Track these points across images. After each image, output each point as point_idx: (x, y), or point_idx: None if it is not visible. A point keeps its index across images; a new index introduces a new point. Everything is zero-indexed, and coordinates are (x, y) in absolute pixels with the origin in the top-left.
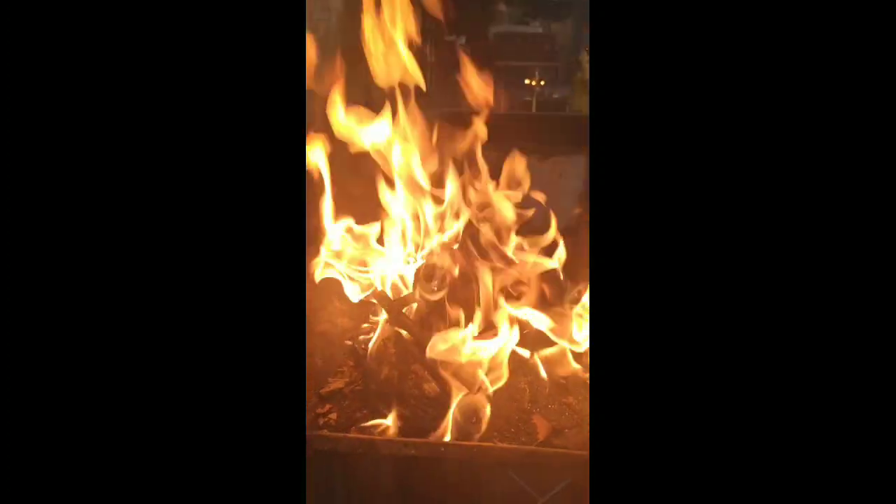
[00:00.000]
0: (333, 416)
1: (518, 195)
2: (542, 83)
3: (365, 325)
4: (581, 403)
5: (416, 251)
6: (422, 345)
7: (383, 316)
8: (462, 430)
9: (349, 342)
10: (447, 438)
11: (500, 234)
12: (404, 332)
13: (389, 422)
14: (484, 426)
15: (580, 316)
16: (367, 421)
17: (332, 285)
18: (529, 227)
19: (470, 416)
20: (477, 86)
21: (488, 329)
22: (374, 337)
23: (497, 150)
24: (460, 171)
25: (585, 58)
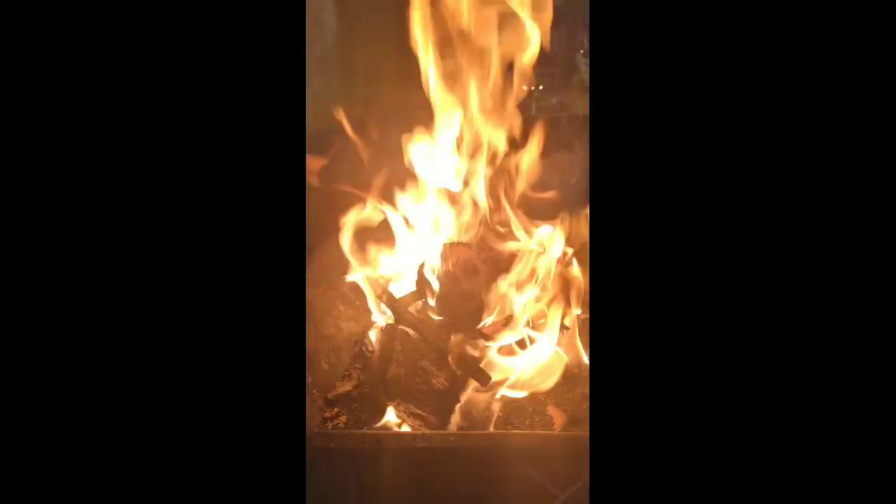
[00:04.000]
0: (342, 419)
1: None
2: (541, 88)
3: (370, 327)
4: None
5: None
6: (428, 341)
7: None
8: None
9: (356, 346)
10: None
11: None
12: (410, 331)
13: (398, 419)
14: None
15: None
16: (375, 423)
17: (337, 289)
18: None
19: (482, 408)
20: None
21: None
22: (378, 336)
23: None
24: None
25: (582, 61)
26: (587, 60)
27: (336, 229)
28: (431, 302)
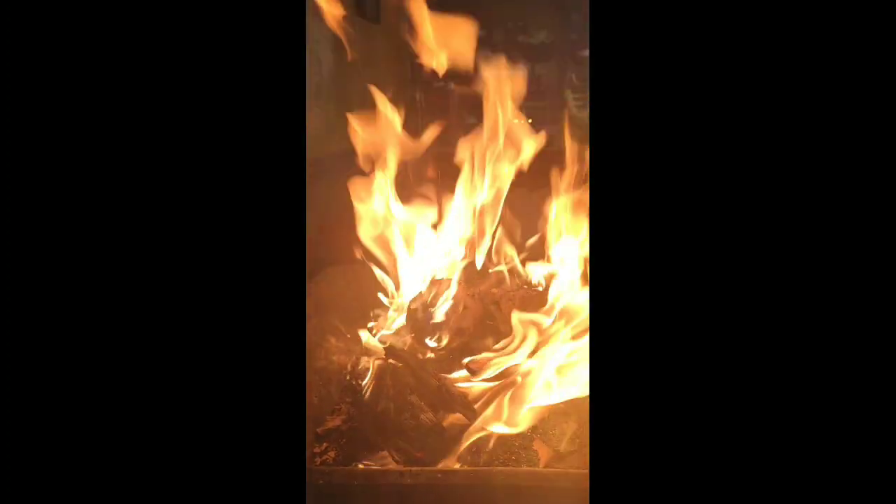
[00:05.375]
0: (331, 454)
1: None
2: (530, 122)
3: (361, 361)
4: (582, 427)
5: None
6: (417, 376)
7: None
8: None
9: (347, 378)
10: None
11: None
12: (400, 365)
13: (387, 455)
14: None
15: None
16: (365, 459)
17: (328, 322)
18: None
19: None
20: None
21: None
22: (370, 371)
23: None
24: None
25: (570, 96)
26: (575, 95)
27: (329, 262)
28: (427, 340)
